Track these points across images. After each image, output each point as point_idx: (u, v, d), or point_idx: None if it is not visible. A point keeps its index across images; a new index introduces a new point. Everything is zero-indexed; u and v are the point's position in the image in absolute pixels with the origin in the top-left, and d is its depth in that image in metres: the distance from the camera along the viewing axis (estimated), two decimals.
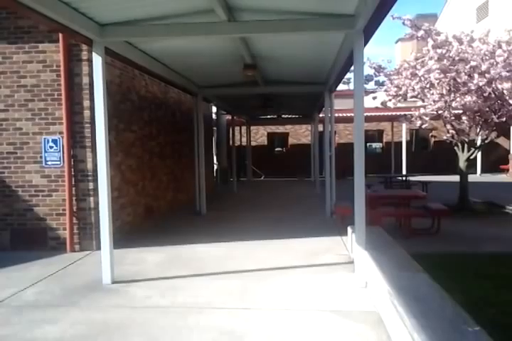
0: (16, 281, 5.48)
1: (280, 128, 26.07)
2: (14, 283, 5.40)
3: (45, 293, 5.09)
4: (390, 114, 18.48)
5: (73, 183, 6.95)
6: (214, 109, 18.39)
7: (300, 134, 26.13)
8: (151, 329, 4.03)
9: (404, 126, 21.18)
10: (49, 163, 6.99)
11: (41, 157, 6.99)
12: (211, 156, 17.50)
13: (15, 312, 4.53)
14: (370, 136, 25.77)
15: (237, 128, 21.49)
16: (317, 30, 5.19)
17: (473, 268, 5.95)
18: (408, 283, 4.07)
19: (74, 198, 6.96)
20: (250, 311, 4.42)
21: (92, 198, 6.94)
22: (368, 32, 4.86)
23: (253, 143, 23.93)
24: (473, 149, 10.75)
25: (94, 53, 5.25)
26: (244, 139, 22.53)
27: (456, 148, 11.05)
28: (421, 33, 8.35)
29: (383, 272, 4.35)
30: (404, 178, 16.16)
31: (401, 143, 22.00)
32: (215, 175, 18.87)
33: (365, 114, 17.13)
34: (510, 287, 5.23)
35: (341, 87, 10.50)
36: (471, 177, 11.41)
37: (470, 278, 5.50)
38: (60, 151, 6.93)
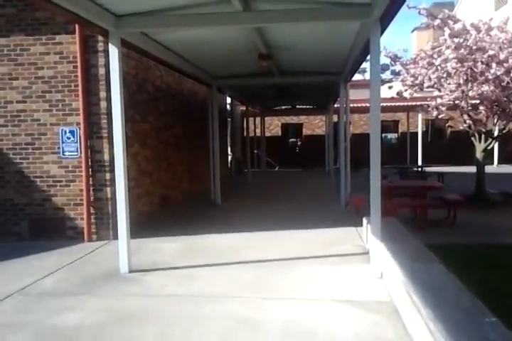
0: (35, 270, 5.59)
1: (294, 119, 25.98)
2: (34, 272, 5.50)
3: (64, 281, 5.19)
4: (405, 104, 18.26)
5: (90, 174, 7.03)
6: (228, 100, 18.38)
7: (314, 125, 26.02)
8: (167, 318, 4.09)
9: (420, 116, 20.96)
10: (66, 153, 7.07)
11: (59, 148, 7.08)
12: (225, 147, 17.54)
13: (35, 300, 4.63)
14: (386, 127, 25.53)
15: (251, 119, 21.48)
16: (333, 20, 5.16)
17: (490, 259, 5.90)
18: (423, 273, 4.07)
19: (91, 188, 7.06)
20: (266, 300, 4.46)
21: (108, 188, 7.02)
22: (385, 21, 4.81)
23: (267, 134, 23.91)
24: (490, 139, 10.61)
25: (110, 44, 5.28)
26: (258, 130, 22.52)
27: (473, 138, 10.91)
28: (437, 21, 8.23)
29: (398, 263, 4.34)
30: (420, 169, 16.03)
31: (417, 133, 21.79)
32: (229, 165, 18.92)
33: (382, 104, 17.00)
34: None
35: (356, 76, 10.40)
36: (487, 168, 11.28)
37: (486, 269, 5.47)
38: (77, 142, 7.02)
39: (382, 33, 5.01)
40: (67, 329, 3.89)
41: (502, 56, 8.37)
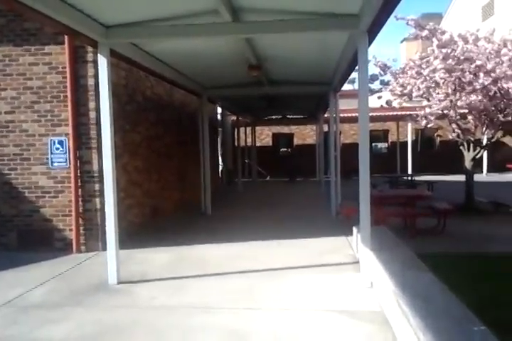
0: (23, 282, 5.52)
1: (285, 129, 26.05)
2: (21, 284, 5.43)
3: (52, 293, 5.13)
4: (395, 113, 18.41)
5: (79, 184, 6.98)
6: (219, 110, 18.42)
7: (305, 134, 26.10)
8: (156, 330, 4.05)
9: (409, 125, 21.10)
10: (55, 164, 7.03)
11: (47, 158, 7.04)
12: (216, 157, 17.53)
13: (21, 312, 4.56)
14: (376, 136, 25.68)
15: (242, 129, 21.51)
16: (321, 30, 5.20)
17: (479, 268, 5.93)
18: (413, 282, 4.07)
19: (80, 199, 7.00)
20: (256, 311, 4.43)
21: (98, 199, 6.97)
22: (372, 32, 4.86)
23: (258, 144, 23.93)
24: (478, 148, 10.70)
25: (99, 55, 5.28)
26: (249, 140, 22.53)
27: (461, 147, 11.01)
28: (425, 32, 8.34)
29: (388, 272, 4.34)
30: (409, 178, 16.10)
31: (406, 142, 21.93)
32: (220, 175, 18.90)
33: (371, 114, 17.04)
34: None
35: (347, 86, 10.50)
36: (477, 177, 11.36)
37: (476, 278, 5.48)
38: (66, 153, 6.98)
39: (370, 43, 5.06)
40: None
41: (489, 66, 8.48)
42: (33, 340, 3.90)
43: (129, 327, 4.13)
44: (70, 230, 7.01)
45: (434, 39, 8.53)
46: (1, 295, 5.05)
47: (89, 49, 6.70)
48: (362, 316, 4.22)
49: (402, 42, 32.47)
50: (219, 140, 19.24)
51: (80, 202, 7.00)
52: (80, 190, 6.99)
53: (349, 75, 8.07)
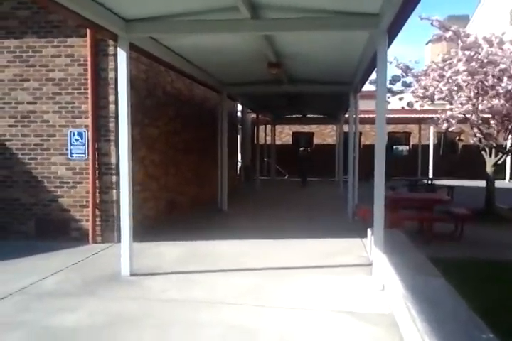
0: (38, 270, 5.63)
1: (305, 128, 25.96)
2: (36, 272, 5.54)
3: (65, 282, 5.22)
4: (417, 116, 18.21)
5: (97, 176, 7.08)
6: (239, 107, 18.44)
7: (325, 134, 25.98)
8: (164, 322, 4.09)
9: (431, 129, 20.86)
10: (74, 155, 7.13)
11: (67, 149, 7.15)
12: (235, 154, 17.56)
13: (35, 299, 4.65)
14: (397, 139, 25.44)
15: (262, 127, 21.51)
16: (341, 29, 5.18)
17: (494, 275, 5.82)
18: (424, 286, 4.02)
19: (97, 191, 7.10)
20: (264, 309, 4.43)
21: (114, 191, 7.06)
22: (392, 32, 4.80)
23: (278, 142, 23.90)
24: (500, 154, 10.51)
25: (118, 48, 5.34)
26: (268, 138, 22.52)
27: (483, 152, 10.82)
28: (449, 34, 8.21)
29: (400, 275, 4.30)
30: (429, 182, 15.90)
31: (428, 146, 21.66)
32: (238, 172, 18.94)
33: (392, 116, 16.96)
34: None
35: (369, 87, 10.39)
36: (499, 183, 11.16)
37: (490, 285, 5.38)
38: (85, 144, 7.07)
39: (389, 44, 5.01)
40: (64, 330, 3.90)
41: None
42: (46, 327, 3.97)
43: (138, 318, 4.17)
44: (87, 221, 7.12)
45: (458, 41, 8.40)
46: (16, 282, 5.15)
47: (111, 42, 6.78)
48: (371, 318, 4.18)
49: (427, 44, 32.08)
50: (238, 137, 19.27)
51: (97, 194, 7.10)
52: (97, 181, 7.08)
53: (369, 76, 8.00)
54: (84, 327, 3.96)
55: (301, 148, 20.84)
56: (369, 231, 6.54)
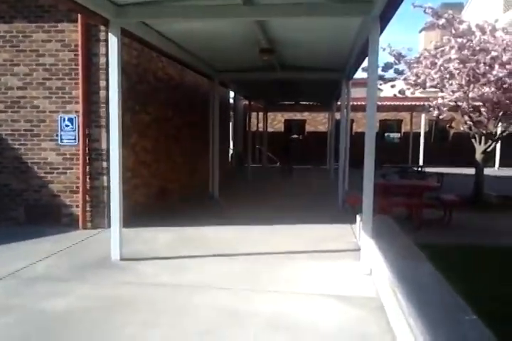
0: (28, 255, 5.65)
1: (298, 115, 25.94)
2: (26, 257, 5.56)
3: (56, 267, 5.25)
4: (409, 103, 18.25)
5: (87, 162, 7.07)
6: (232, 94, 18.37)
7: (318, 122, 25.99)
8: (156, 306, 4.14)
9: (423, 116, 20.93)
10: (65, 141, 7.11)
11: (57, 135, 7.12)
12: (227, 141, 17.54)
13: (25, 284, 4.68)
14: (389, 126, 25.53)
15: (254, 114, 21.47)
16: (333, 15, 5.16)
17: (481, 260, 5.93)
18: (411, 271, 4.09)
19: (88, 176, 7.10)
20: (255, 293, 4.50)
21: (105, 177, 7.06)
22: (385, 18, 4.80)
23: (270, 130, 23.89)
24: (490, 141, 10.59)
25: (110, 33, 5.30)
26: (261, 125, 22.51)
27: (473, 140, 10.90)
28: (442, 21, 8.20)
29: (386, 260, 4.37)
30: (420, 169, 16.01)
31: (419, 133, 21.76)
32: (230, 159, 18.94)
33: (384, 103, 16.92)
34: None
35: (362, 74, 10.36)
36: (488, 171, 11.28)
37: (476, 270, 5.49)
38: (75, 130, 7.05)
39: (382, 30, 5.00)
40: (55, 314, 3.93)
41: (505, 58, 8.35)
42: (36, 311, 4.01)
43: (129, 302, 4.22)
44: (77, 206, 7.13)
45: (451, 29, 8.39)
46: (7, 266, 5.18)
47: (102, 28, 6.71)
48: (358, 302, 4.27)
49: (420, 32, 31.99)
50: (231, 124, 19.22)
51: (88, 180, 7.10)
52: (87, 167, 7.08)
53: (361, 62, 7.99)
54: (75, 311, 4.00)
55: (293, 136, 20.75)
56: (358, 217, 6.62)
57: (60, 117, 7.07)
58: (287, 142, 18.28)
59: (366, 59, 7.36)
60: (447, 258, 5.33)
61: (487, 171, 11.16)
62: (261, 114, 22.30)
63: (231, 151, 19.54)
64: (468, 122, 10.40)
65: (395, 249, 4.80)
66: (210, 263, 5.45)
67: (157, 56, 8.84)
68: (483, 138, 10.62)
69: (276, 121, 26.14)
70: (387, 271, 4.08)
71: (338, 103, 15.61)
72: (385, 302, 4.07)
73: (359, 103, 17.45)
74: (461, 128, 11.07)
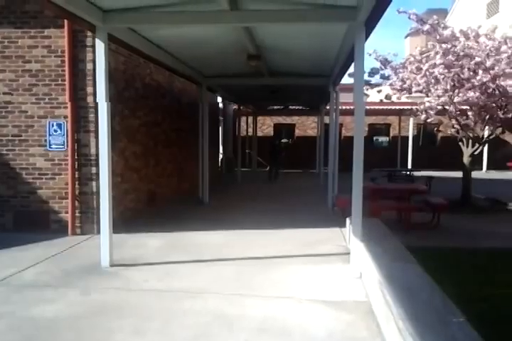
0: (17, 261, 5.61)
1: (287, 120, 26.00)
2: (15, 263, 5.52)
3: (45, 273, 5.21)
4: (396, 108, 18.40)
5: (76, 167, 7.05)
6: (221, 99, 18.41)
7: (307, 126, 26.06)
8: (145, 312, 4.12)
9: (411, 120, 21.10)
10: (53, 146, 7.08)
11: (45, 140, 7.09)
12: (216, 146, 17.54)
13: (14, 290, 4.65)
14: (377, 130, 25.68)
15: (243, 119, 21.51)
16: (319, 21, 5.21)
17: (468, 262, 5.99)
18: (400, 274, 4.12)
19: (77, 182, 7.07)
20: (244, 298, 4.49)
21: (94, 182, 7.03)
22: (370, 24, 4.86)
23: (259, 134, 23.92)
24: (477, 145, 10.72)
25: (96, 39, 5.31)
26: (250, 130, 22.54)
27: (460, 143, 11.02)
28: (426, 27, 8.31)
29: (376, 263, 4.40)
30: (408, 172, 16.13)
31: (408, 137, 21.93)
32: (220, 164, 18.93)
33: (372, 108, 17.08)
34: (502, 281, 5.27)
35: (350, 80, 10.44)
36: (476, 174, 11.39)
37: (463, 272, 5.55)
38: (64, 135, 7.02)
39: (367, 36, 5.07)
40: (44, 321, 3.91)
41: (488, 63, 8.47)
42: (26, 318, 3.98)
43: (118, 308, 4.20)
44: (66, 212, 7.09)
45: (435, 34, 8.50)
46: None
47: (89, 33, 6.72)
48: (348, 306, 4.28)
49: (406, 37, 32.34)
50: (220, 129, 19.23)
51: (77, 185, 7.07)
52: (76, 172, 7.05)
53: (348, 68, 8.06)
54: (64, 318, 3.98)
55: (280, 140, 20.64)
56: (348, 220, 6.65)
57: (49, 122, 7.04)
58: (273, 146, 17.65)
59: (352, 64, 7.47)
60: (435, 261, 5.37)
61: (475, 174, 11.28)
62: (250, 119, 22.34)
63: (221, 156, 19.54)
64: (456, 126, 10.52)
65: (385, 252, 4.83)
66: (199, 268, 5.45)
67: (145, 62, 8.85)
68: (470, 141, 10.74)
69: (266, 125, 26.17)
70: (377, 274, 4.11)
71: (327, 107, 15.71)
72: (375, 305, 4.10)
73: (348, 107, 17.57)
74: (449, 132, 11.19)
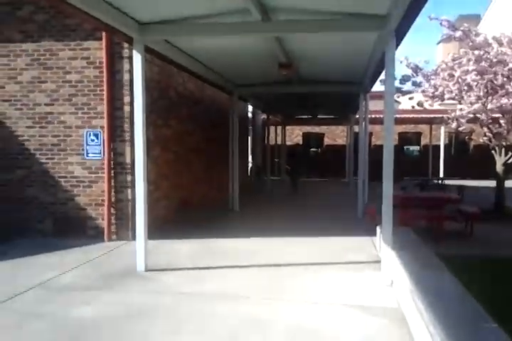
0: (57, 266, 5.82)
1: (316, 129, 26.02)
2: (55, 267, 5.73)
3: (83, 277, 5.40)
4: (427, 116, 18.20)
5: (112, 175, 7.26)
6: (250, 108, 18.59)
7: (336, 135, 26.01)
8: (178, 314, 4.24)
9: (442, 128, 20.82)
10: (90, 155, 7.32)
11: (83, 149, 7.34)
12: (246, 154, 17.68)
13: (55, 293, 4.84)
14: (408, 139, 25.42)
15: (272, 128, 21.63)
16: (349, 31, 5.29)
17: (502, 272, 5.89)
18: (431, 282, 4.12)
19: (113, 190, 7.28)
20: (277, 302, 4.56)
21: (129, 190, 7.23)
22: (400, 32, 4.91)
23: (288, 143, 24.00)
24: (510, 153, 10.53)
25: (134, 51, 5.52)
26: (279, 139, 22.65)
27: (493, 151, 10.85)
28: (459, 33, 8.28)
29: (407, 270, 4.40)
30: (440, 181, 15.92)
31: (439, 146, 21.63)
32: (249, 173, 19.07)
33: (403, 116, 16.86)
34: None
35: (380, 87, 10.43)
36: (509, 183, 11.16)
37: (497, 281, 5.46)
38: (100, 144, 7.26)
39: (398, 44, 5.11)
40: (83, 321, 4.07)
41: None
42: (67, 318, 4.15)
43: (154, 310, 4.33)
44: (102, 219, 7.30)
45: (467, 41, 8.46)
46: (37, 276, 5.35)
47: (125, 45, 6.96)
48: (379, 312, 4.29)
49: (438, 43, 31.98)
50: (249, 138, 19.40)
51: (113, 193, 7.28)
52: (112, 180, 7.27)
53: (379, 76, 8.09)
54: (103, 319, 4.13)
55: (312, 149, 20.47)
56: (378, 229, 6.64)
57: (86, 132, 7.30)
58: (292, 154, 16.64)
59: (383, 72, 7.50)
60: (467, 269, 5.32)
61: (508, 183, 11.06)
62: (279, 128, 22.46)
63: (250, 164, 19.68)
64: (488, 134, 10.37)
65: (416, 260, 4.82)
66: (231, 274, 5.54)
67: (178, 72, 9.06)
68: (503, 149, 10.56)
69: (295, 135, 26.24)
70: (408, 281, 4.12)
71: (357, 116, 15.69)
72: (407, 312, 4.10)
73: (377, 116, 17.49)
74: (481, 140, 11.02)
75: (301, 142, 25.93)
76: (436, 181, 16.47)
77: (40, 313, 4.25)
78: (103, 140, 7.23)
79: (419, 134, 25.40)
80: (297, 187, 15.14)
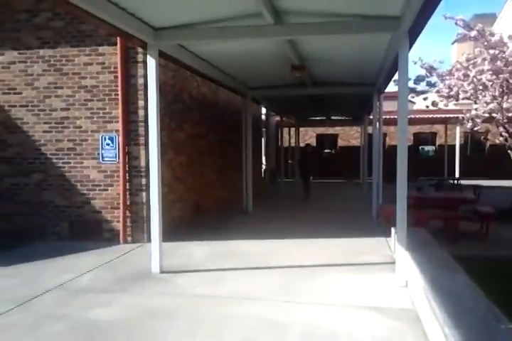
0: (73, 268, 5.91)
1: (329, 130, 25.94)
2: (72, 270, 5.82)
3: (100, 279, 5.47)
4: (442, 116, 18.05)
5: (127, 179, 7.35)
6: (264, 110, 18.63)
7: (350, 136, 25.91)
8: (194, 316, 4.28)
9: (457, 128, 20.63)
10: (106, 159, 7.42)
11: (98, 153, 7.44)
12: (259, 156, 17.71)
13: (72, 295, 4.92)
14: (423, 139, 25.23)
15: (286, 130, 21.63)
16: (362, 32, 5.29)
17: None
18: (446, 282, 4.11)
19: (128, 193, 7.37)
20: (291, 304, 4.58)
21: (144, 193, 7.31)
22: (413, 33, 4.90)
23: (302, 145, 23.96)
24: None
25: (148, 55, 5.59)
26: (293, 140, 22.63)
27: (509, 151, 10.72)
28: (474, 33, 8.21)
29: (422, 271, 4.39)
30: (456, 181, 15.77)
31: (455, 146, 21.43)
32: (263, 175, 19.10)
33: (417, 116, 16.75)
34: None
35: (394, 88, 10.39)
36: None
37: (510, 281, 5.42)
38: (116, 148, 7.35)
39: (411, 45, 5.10)
40: (100, 323, 4.13)
41: None
42: (83, 320, 4.21)
43: (170, 312, 4.38)
44: (118, 222, 7.39)
45: (483, 40, 8.38)
46: (54, 278, 5.44)
47: (140, 50, 7.05)
48: (394, 313, 4.29)
49: (453, 43, 31.71)
50: (263, 140, 19.44)
51: (128, 196, 7.37)
52: (127, 184, 7.35)
53: (392, 76, 8.06)
54: (119, 320, 4.19)
55: (325, 150, 20.37)
56: (393, 230, 6.62)
57: (102, 136, 7.40)
58: (304, 155, 15.23)
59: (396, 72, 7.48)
60: (482, 269, 5.27)
61: None
62: (293, 130, 22.45)
63: (264, 167, 19.71)
64: (504, 134, 10.25)
65: (430, 261, 4.81)
66: (245, 276, 5.57)
67: (191, 75, 9.14)
68: None
69: (308, 136, 26.19)
70: (422, 281, 4.11)
71: (370, 117, 15.62)
72: (421, 313, 4.09)
73: (391, 116, 17.39)
74: (497, 140, 10.90)
75: (314, 143, 25.88)
76: (451, 181, 16.32)
77: (58, 315, 4.32)
78: (118, 144, 7.32)
79: (434, 134, 25.19)
80: (310, 189, 14.53)
